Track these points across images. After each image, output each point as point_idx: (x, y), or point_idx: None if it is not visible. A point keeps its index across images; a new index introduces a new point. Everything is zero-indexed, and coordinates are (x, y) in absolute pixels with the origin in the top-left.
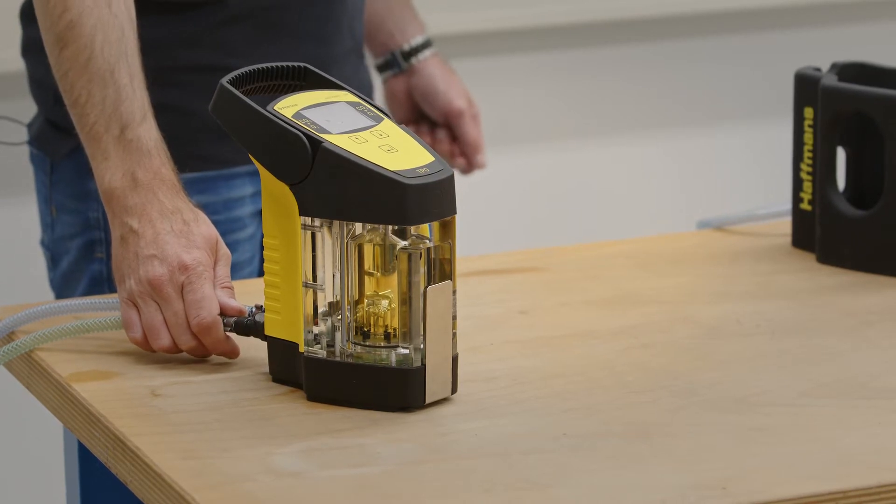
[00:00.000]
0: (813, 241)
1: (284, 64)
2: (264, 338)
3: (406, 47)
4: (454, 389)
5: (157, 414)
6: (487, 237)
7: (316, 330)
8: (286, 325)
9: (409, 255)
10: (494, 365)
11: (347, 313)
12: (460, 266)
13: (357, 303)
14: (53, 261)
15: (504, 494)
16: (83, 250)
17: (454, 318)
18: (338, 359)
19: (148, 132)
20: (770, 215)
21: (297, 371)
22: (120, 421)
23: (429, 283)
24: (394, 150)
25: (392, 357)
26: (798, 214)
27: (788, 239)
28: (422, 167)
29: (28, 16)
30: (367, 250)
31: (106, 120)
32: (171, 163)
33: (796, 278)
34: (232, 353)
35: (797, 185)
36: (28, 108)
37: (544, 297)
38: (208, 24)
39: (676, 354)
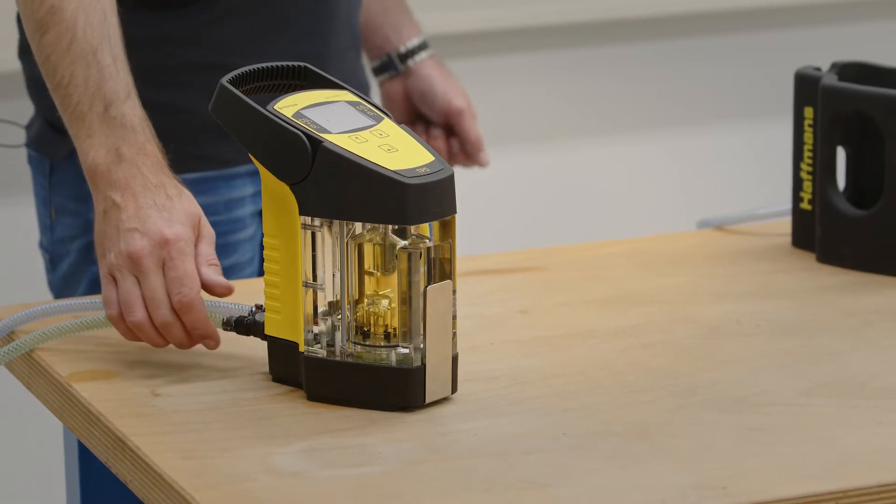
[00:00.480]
0: (813, 240)
1: (284, 63)
2: (264, 337)
3: (402, 49)
4: (454, 389)
5: (157, 414)
6: (487, 237)
7: (316, 329)
8: (286, 325)
9: (409, 255)
10: (494, 364)
11: (347, 313)
12: (460, 266)
13: (357, 302)
14: (53, 263)
15: (504, 494)
16: (83, 252)
17: (454, 317)
18: (338, 358)
19: (132, 109)
20: (770, 215)
21: (297, 371)
22: (120, 421)
23: (429, 283)
24: (394, 149)
25: (392, 357)
26: (798, 214)
27: (788, 239)
28: (422, 167)
29: None
30: (367, 250)
31: (89, 99)
32: (156, 140)
33: (796, 278)
34: (212, 336)
35: (797, 184)
36: (24, 109)
37: (544, 297)
38: (204, 21)
39: (676, 354)
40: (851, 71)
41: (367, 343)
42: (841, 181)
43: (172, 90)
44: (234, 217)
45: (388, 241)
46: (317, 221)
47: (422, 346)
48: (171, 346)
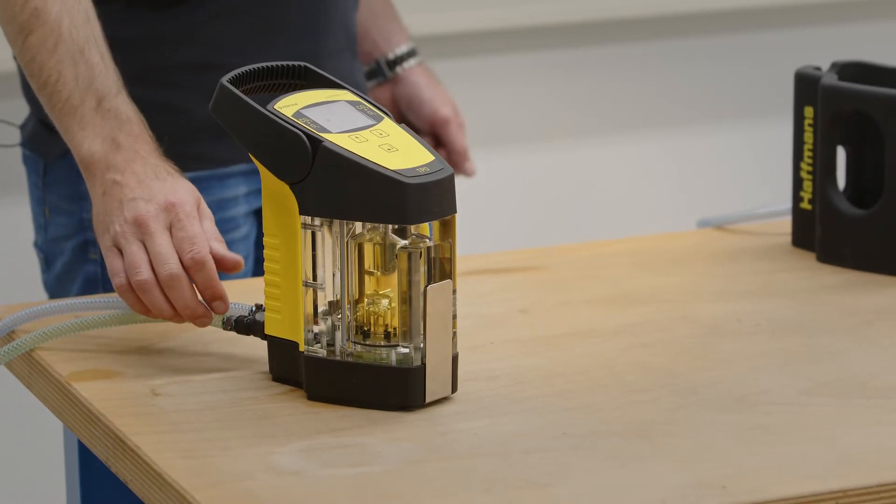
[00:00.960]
0: (813, 240)
1: (284, 63)
2: (264, 337)
3: (391, 56)
4: (454, 388)
5: (157, 413)
6: (487, 236)
7: (316, 329)
8: (286, 325)
9: (410, 255)
10: (494, 364)
11: (347, 312)
12: (460, 265)
13: (357, 302)
14: (47, 262)
15: (504, 493)
16: (77, 251)
17: (454, 317)
18: (338, 358)
19: (125, 104)
20: (770, 214)
21: (297, 370)
22: (120, 420)
23: (429, 283)
24: (394, 149)
25: (392, 356)
26: (798, 213)
27: (788, 238)
28: (422, 166)
29: None
30: (368, 249)
31: (81, 94)
32: (150, 133)
33: (796, 277)
34: (222, 297)
35: (797, 184)
36: (21, 109)
37: (544, 297)
38: (196, 20)
39: (676, 353)
40: (851, 71)
41: (368, 343)
42: (841, 181)
43: (166, 89)
44: (227, 217)
45: (388, 241)
46: (317, 221)
47: (422, 345)
48: (170, 346)
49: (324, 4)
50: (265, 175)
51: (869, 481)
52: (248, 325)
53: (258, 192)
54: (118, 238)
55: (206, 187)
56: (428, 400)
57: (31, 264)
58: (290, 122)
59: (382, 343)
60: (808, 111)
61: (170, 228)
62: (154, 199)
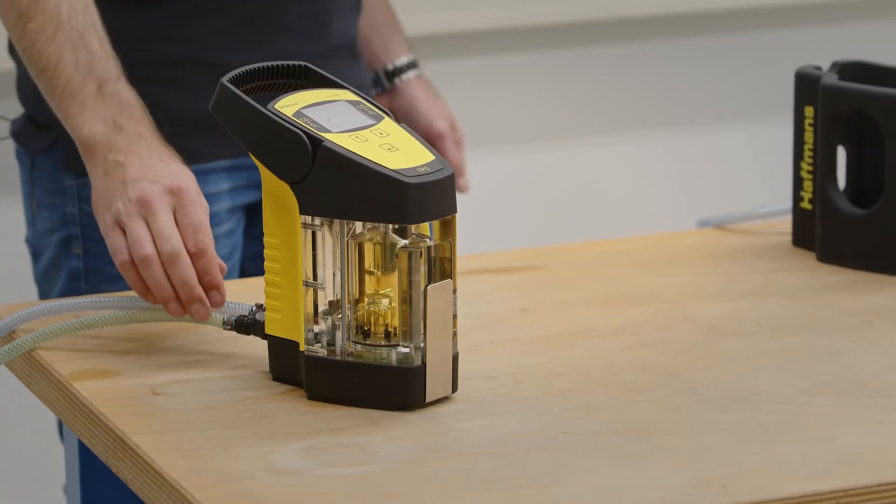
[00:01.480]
0: (813, 239)
1: (285, 63)
2: (264, 336)
3: (390, 67)
4: (454, 388)
5: (157, 412)
6: (488, 236)
7: (316, 329)
8: (286, 324)
9: (410, 254)
10: (495, 363)
11: (348, 312)
12: (460, 265)
13: (357, 301)
14: (35, 256)
15: (504, 493)
16: (61, 245)
17: (454, 316)
18: (338, 357)
19: (125, 89)
20: (770, 214)
21: (297, 370)
22: (120, 419)
23: (429, 282)
24: (394, 148)
25: (392, 356)
26: (798, 213)
27: (789, 238)
28: (422, 166)
29: None
30: (368, 249)
31: (81, 78)
32: (151, 119)
33: (796, 277)
34: (219, 287)
35: (797, 183)
36: (16, 106)
37: (545, 296)
38: (177, 15)
39: (677, 353)
40: (851, 70)
41: (368, 342)
42: (841, 180)
43: (148, 85)
44: (210, 213)
45: (388, 241)
46: (317, 220)
47: (422, 345)
48: (170, 346)
49: (308, 4)
50: (265, 174)
51: (869, 481)
52: (248, 324)
53: (243, 188)
54: (121, 216)
55: None
56: (428, 399)
57: (28, 262)
58: (291, 121)
59: (383, 343)
60: (809, 111)
61: (173, 212)
62: (159, 181)
